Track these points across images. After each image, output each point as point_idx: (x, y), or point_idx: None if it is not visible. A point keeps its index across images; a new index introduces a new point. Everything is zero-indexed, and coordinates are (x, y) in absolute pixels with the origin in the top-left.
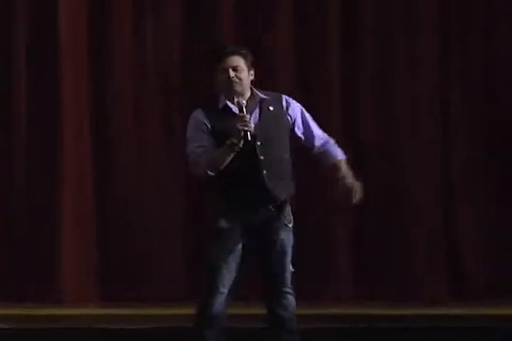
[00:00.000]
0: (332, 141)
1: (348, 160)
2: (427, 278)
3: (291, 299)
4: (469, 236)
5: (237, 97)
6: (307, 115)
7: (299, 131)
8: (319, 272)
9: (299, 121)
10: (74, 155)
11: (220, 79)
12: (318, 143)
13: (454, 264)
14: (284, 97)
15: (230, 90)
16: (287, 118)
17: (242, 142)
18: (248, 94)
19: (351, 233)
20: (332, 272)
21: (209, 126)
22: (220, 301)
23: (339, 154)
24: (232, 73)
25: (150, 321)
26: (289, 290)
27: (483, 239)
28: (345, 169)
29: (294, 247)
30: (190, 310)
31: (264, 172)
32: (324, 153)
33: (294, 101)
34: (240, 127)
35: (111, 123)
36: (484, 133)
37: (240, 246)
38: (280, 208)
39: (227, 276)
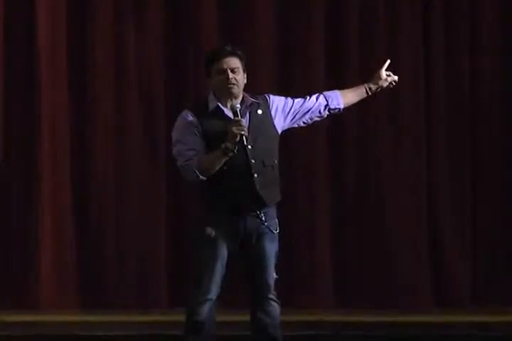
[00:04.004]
0: (322, 94)
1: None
2: (409, 286)
3: (275, 306)
4: (453, 245)
5: (232, 100)
6: (290, 100)
7: (298, 115)
8: (300, 278)
9: (286, 109)
10: (52, 158)
11: (216, 80)
12: (321, 105)
13: (437, 272)
14: (266, 96)
15: (227, 92)
16: (275, 119)
17: (236, 147)
18: (240, 97)
19: (333, 240)
20: (313, 278)
21: (199, 128)
22: (208, 308)
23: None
24: (231, 74)
25: (130, 328)
26: (273, 296)
27: (466, 247)
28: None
29: (278, 254)
30: (171, 317)
31: (256, 176)
32: (338, 97)
33: (276, 96)
34: (237, 131)
35: (91, 127)
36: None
37: (226, 252)
38: (267, 214)
39: (215, 283)
